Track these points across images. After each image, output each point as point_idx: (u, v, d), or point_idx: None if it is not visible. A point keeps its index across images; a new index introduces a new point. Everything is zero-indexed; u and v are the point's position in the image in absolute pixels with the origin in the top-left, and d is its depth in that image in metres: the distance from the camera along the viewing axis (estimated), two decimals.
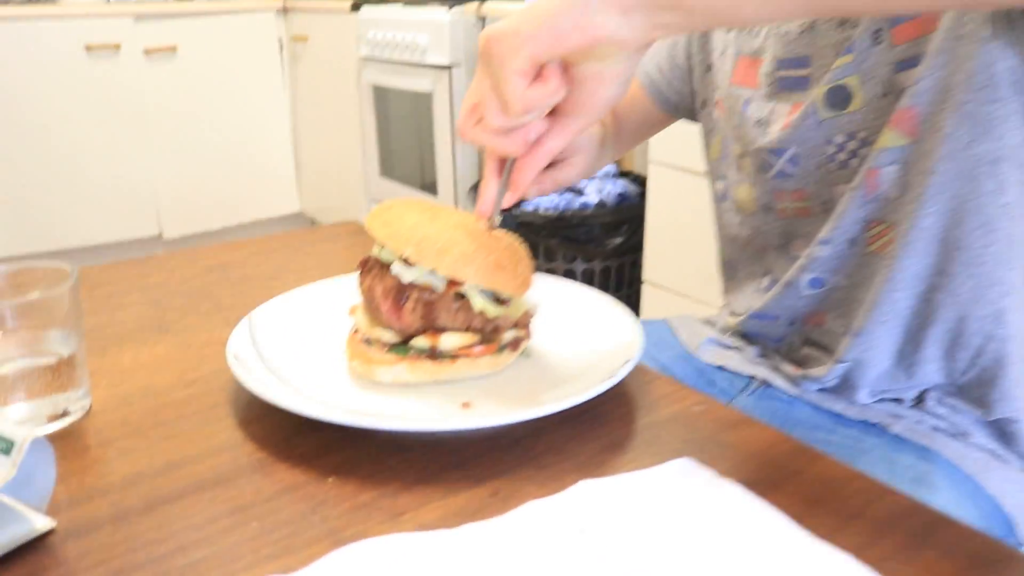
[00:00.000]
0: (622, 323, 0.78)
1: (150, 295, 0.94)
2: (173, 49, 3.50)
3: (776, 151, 0.90)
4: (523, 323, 0.72)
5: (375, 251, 0.73)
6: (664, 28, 0.58)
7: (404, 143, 3.07)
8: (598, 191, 2.23)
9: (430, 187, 2.91)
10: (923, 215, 0.80)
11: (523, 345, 0.73)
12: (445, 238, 0.67)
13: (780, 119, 0.90)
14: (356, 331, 0.74)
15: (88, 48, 3.32)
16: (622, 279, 2.30)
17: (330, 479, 0.58)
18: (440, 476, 0.59)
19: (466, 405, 0.66)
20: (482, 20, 2.68)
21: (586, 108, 0.63)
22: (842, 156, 0.85)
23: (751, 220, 0.99)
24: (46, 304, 0.66)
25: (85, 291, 0.97)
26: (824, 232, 0.88)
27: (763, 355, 1.01)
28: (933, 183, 0.79)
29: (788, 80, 0.89)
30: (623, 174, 2.42)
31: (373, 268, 0.72)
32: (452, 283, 0.69)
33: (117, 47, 3.38)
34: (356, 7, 3.16)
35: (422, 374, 0.69)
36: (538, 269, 2.19)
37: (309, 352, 0.75)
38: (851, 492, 0.58)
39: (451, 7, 2.65)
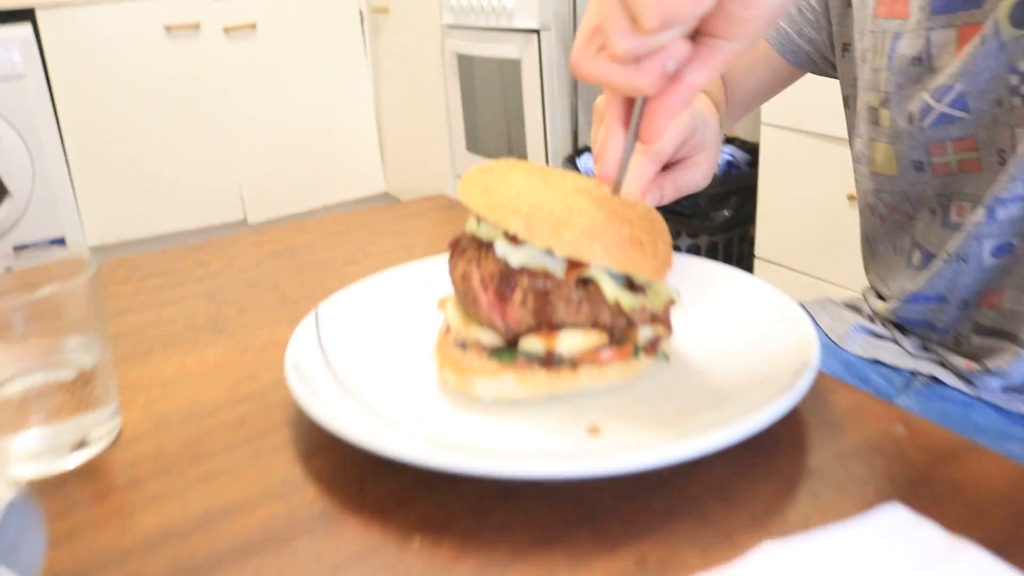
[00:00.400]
0: (785, 313, 0.61)
1: (206, 286, 0.81)
2: (253, 26, 3.41)
3: (938, 91, 0.73)
4: (663, 317, 0.56)
5: (471, 227, 0.57)
6: None
7: (491, 115, 2.93)
8: None
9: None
10: None
11: (663, 346, 0.56)
12: (562, 207, 0.50)
13: (945, 52, 0.72)
14: (448, 331, 0.58)
15: (168, 28, 3.26)
16: (731, 255, 2.11)
17: (416, 540, 0.43)
18: (565, 535, 0.43)
19: (594, 431, 0.50)
20: None
21: (742, 24, 0.45)
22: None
23: (894, 183, 0.81)
24: (60, 303, 0.52)
25: (133, 283, 0.84)
26: (1012, 186, 0.70)
27: (925, 348, 0.83)
28: None
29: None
30: (729, 140, 2.23)
31: (468, 249, 0.56)
32: (574, 265, 0.52)
33: (197, 26, 3.31)
34: None
35: (534, 387, 0.53)
36: None
37: (389, 358, 0.59)
38: None
39: None
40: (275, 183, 3.57)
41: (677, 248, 2.07)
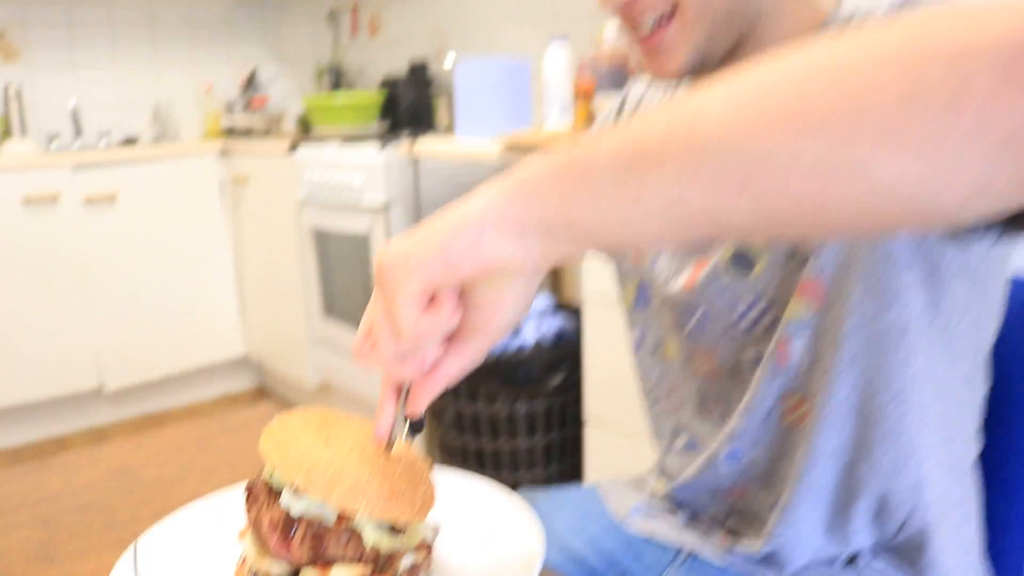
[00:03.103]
0: (523, 526, 0.74)
1: (41, 512, 0.89)
2: (113, 197, 3.48)
3: (687, 309, 0.90)
4: (421, 548, 0.69)
5: (266, 473, 0.69)
6: (559, 254, 0.55)
7: (346, 283, 3.06)
8: (536, 330, 2.21)
9: None
10: (837, 388, 0.80)
11: (423, 569, 0.69)
12: (337, 465, 0.63)
13: (685, 276, 0.90)
14: (244, 560, 0.69)
15: (26, 200, 3.29)
16: (565, 418, 2.27)
17: None
18: None
19: None
20: (415, 161, 2.71)
21: (483, 333, 0.61)
22: (745, 323, 0.85)
23: (670, 374, 0.97)
24: None
25: None
26: (740, 403, 0.86)
27: (693, 520, 0.98)
28: (843, 355, 0.79)
29: None
30: (560, 307, 2.42)
31: (260, 495, 0.68)
32: (343, 516, 0.65)
33: (55, 198, 3.35)
34: (293, 147, 3.19)
35: None
36: (480, 412, 2.13)
37: None
38: None
39: (383, 147, 2.68)
40: (134, 350, 3.58)
41: (515, 415, 2.22)
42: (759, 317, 0.84)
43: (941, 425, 0.83)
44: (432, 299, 0.57)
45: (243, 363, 4.00)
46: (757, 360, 0.86)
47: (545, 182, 0.53)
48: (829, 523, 0.86)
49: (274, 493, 0.67)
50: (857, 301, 0.77)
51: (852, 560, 0.87)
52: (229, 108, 4.20)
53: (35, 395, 3.37)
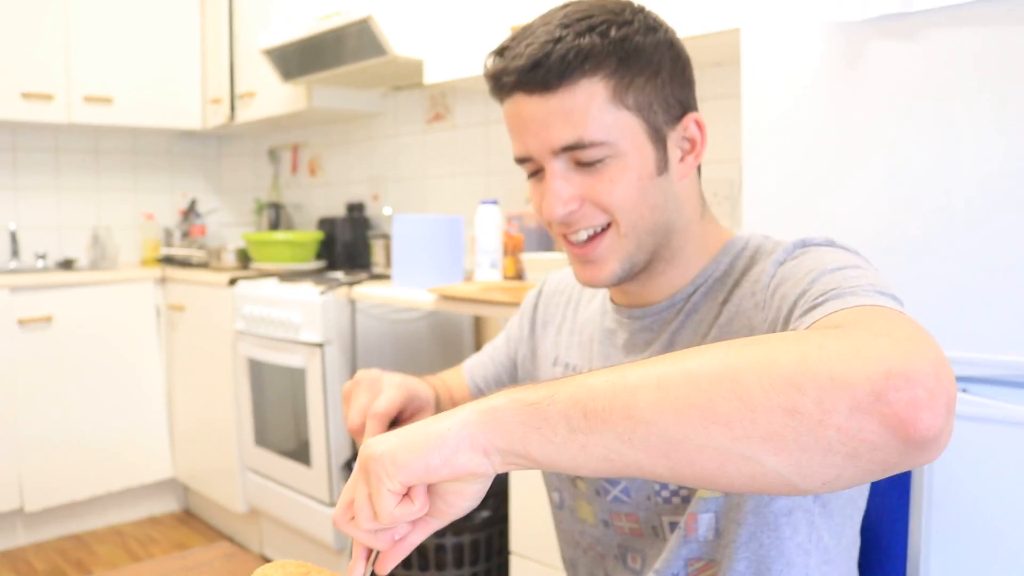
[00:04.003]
0: None
1: None
2: (49, 319, 3.54)
3: (611, 481, 1.04)
4: None
5: None
6: (517, 466, 0.70)
7: (279, 414, 3.15)
8: None
9: (303, 457, 2.97)
10: (737, 559, 0.95)
11: None
12: None
13: None
14: None
15: None
16: (491, 550, 2.38)
17: None
18: None
19: None
20: (352, 302, 2.86)
21: (445, 514, 0.74)
22: (665, 494, 1.00)
23: (591, 531, 1.11)
24: None
25: None
26: (656, 563, 1.00)
27: None
28: (743, 532, 0.94)
29: None
30: None
31: None
32: None
33: None
34: (232, 282, 3.31)
35: None
36: None
37: None
38: None
39: (323, 292, 2.82)
40: (58, 471, 3.57)
41: (443, 547, 2.32)
42: (676, 490, 0.99)
43: (838, 572, 0.98)
44: (406, 492, 0.71)
45: (169, 485, 4.01)
46: (673, 525, 1.00)
47: (510, 418, 0.68)
48: None
49: None
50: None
51: None
52: (168, 237, 4.32)
53: None
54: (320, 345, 2.83)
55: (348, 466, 2.70)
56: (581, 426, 0.65)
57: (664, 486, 1.00)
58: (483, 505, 2.34)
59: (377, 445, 0.70)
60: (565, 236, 1.01)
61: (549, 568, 2.19)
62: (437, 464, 0.68)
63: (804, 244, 0.94)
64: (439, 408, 1.16)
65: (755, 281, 0.96)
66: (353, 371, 2.85)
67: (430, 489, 0.72)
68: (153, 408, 3.87)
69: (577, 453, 0.65)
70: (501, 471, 0.70)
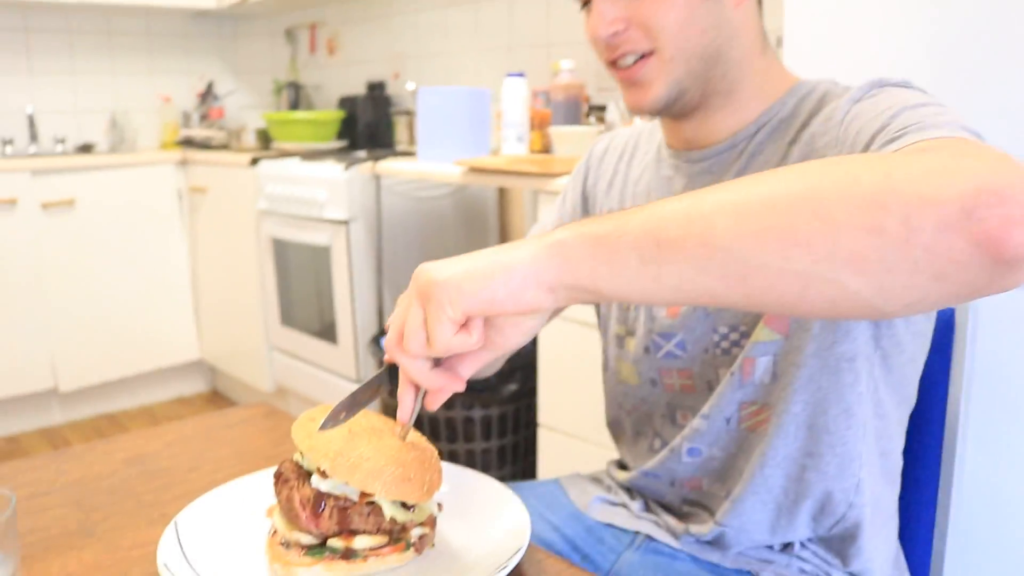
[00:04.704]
0: (511, 509, 0.88)
1: (71, 494, 1.00)
2: (71, 202, 3.53)
3: (665, 335, 1.03)
4: (428, 522, 0.82)
5: (296, 456, 0.82)
6: (581, 301, 0.67)
7: (304, 292, 3.16)
8: None
9: (329, 335, 2.99)
10: (793, 402, 0.94)
11: (427, 542, 0.82)
12: (357, 454, 0.76)
13: (666, 308, 1.03)
14: (274, 532, 0.82)
15: None
16: (519, 423, 2.40)
17: None
18: None
19: None
20: (377, 178, 2.82)
21: (498, 346, 0.72)
22: (725, 344, 0.98)
23: (636, 391, 1.10)
24: None
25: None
26: (704, 408, 1.00)
27: (647, 509, 1.11)
28: (802, 375, 0.93)
29: None
30: None
31: (290, 478, 0.80)
32: (364, 493, 0.78)
33: (14, 201, 3.39)
34: (255, 162, 3.28)
35: (338, 573, 0.77)
36: (438, 417, 2.26)
37: (233, 555, 0.82)
38: None
39: (348, 167, 2.78)
40: (88, 352, 3.63)
41: (472, 419, 2.35)
42: (737, 340, 0.98)
43: (877, 438, 0.97)
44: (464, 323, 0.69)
45: (197, 367, 4.07)
46: (721, 377, 0.99)
47: (579, 252, 0.65)
48: (774, 519, 0.99)
49: (303, 475, 0.80)
50: (818, 331, 0.92)
51: (786, 547, 1.01)
52: (186, 120, 4.27)
53: None
54: (345, 222, 2.81)
55: (375, 341, 2.71)
56: (653, 257, 0.62)
57: (724, 336, 0.98)
58: (511, 378, 2.35)
59: (440, 270, 0.68)
60: (613, 63, 0.98)
61: (576, 440, 2.21)
62: (502, 297, 0.66)
63: (881, 84, 0.89)
64: None
65: (827, 119, 0.92)
66: (378, 249, 2.84)
67: (486, 321, 0.70)
68: (178, 290, 3.91)
69: (648, 285, 0.63)
70: (564, 305, 0.68)
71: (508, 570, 0.76)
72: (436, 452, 0.83)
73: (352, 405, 0.76)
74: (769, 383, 0.96)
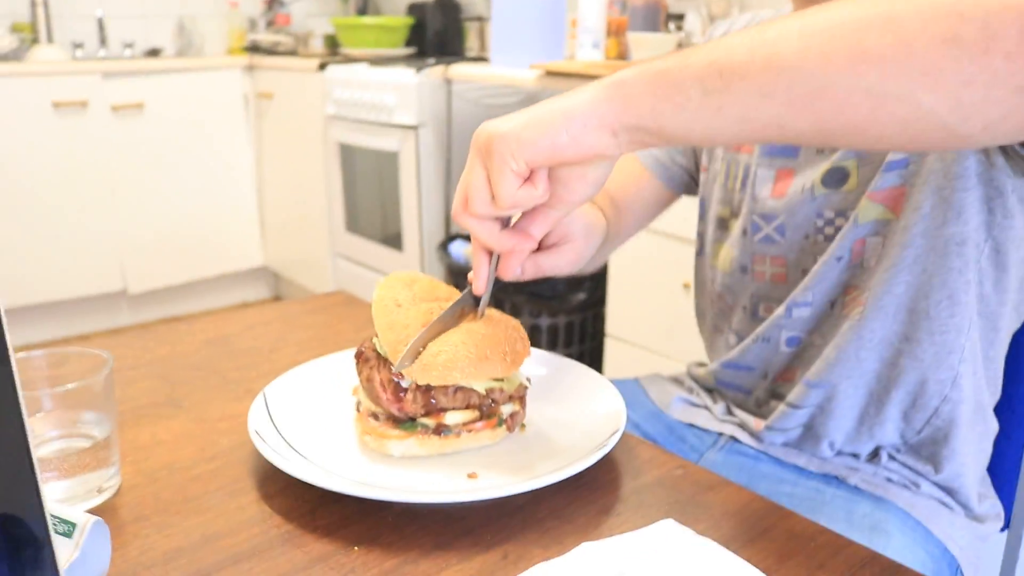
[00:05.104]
0: (606, 394, 0.85)
1: (156, 369, 1.00)
2: (140, 106, 3.54)
3: (766, 217, 0.99)
4: (518, 396, 0.80)
5: (376, 342, 0.80)
6: (645, 145, 0.65)
7: (370, 199, 3.14)
8: None
9: (395, 242, 2.99)
10: (896, 283, 0.90)
11: (519, 419, 0.80)
12: (429, 351, 0.73)
13: (770, 185, 0.99)
14: (361, 408, 0.80)
15: (56, 105, 3.35)
16: (585, 333, 2.38)
17: (356, 549, 0.65)
18: (454, 543, 0.66)
19: (472, 476, 0.73)
20: (448, 82, 2.78)
21: (565, 202, 0.71)
22: (829, 231, 0.95)
23: (725, 279, 1.07)
24: (83, 390, 0.71)
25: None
26: (805, 295, 0.96)
27: (729, 412, 1.09)
28: (907, 255, 0.89)
29: (780, 146, 0.99)
30: None
31: (370, 359, 0.79)
32: None
33: (84, 104, 3.41)
34: (323, 67, 3.24)
35: (430, 448, 0.76)
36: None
37: (322, 426, 0.81)
38: (816, 546, 0.66)
39: (419, 70, 2.74)
40: (156, 256, 3.68)
41: (538, 327, 2.33)
42: (841, 225, 0.93)
43: (981, 334, 0.93)
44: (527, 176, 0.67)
45: (261, 273, 4.11)
46: (824, 262, 0.95)
47: (639, 89, 0.63)
48: (863, 409, 0.96)
49: (383, 358, 0.78)
50: (929, 210, 0.87)
51: (874, 456, 0.98)
52: (252, 25, 4.23)
53: (65, 294, 3.48)
54: (414, 128, 2.78)
55: (443, 247, 2.70)
56: (717, 86, 0.59)
57: (829, 222, 0.94)
58: (579, 287, 2.33)
59: (499, 124, 0.67)
60: None
61: (644, 351, 2.19)
62: (564, 142, 0.64)
63: None
64: (605, 240, 1.00)
65: None
66: (448, 156, 2.80)
67: (550, 176, 0.69)
68: (244, 196, 3.92)
69: (712, 118, 0.60)
70: (628, 151, 0.66)
71: (607, 450, 0.74)
72: (516, 323, 0.80)
73: (432, 338, 0.75)
74: (875, 265, 0.92)
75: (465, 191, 0.70)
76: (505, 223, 0.74)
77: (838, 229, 0.94)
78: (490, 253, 0.76)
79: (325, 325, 1.16)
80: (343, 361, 0.92)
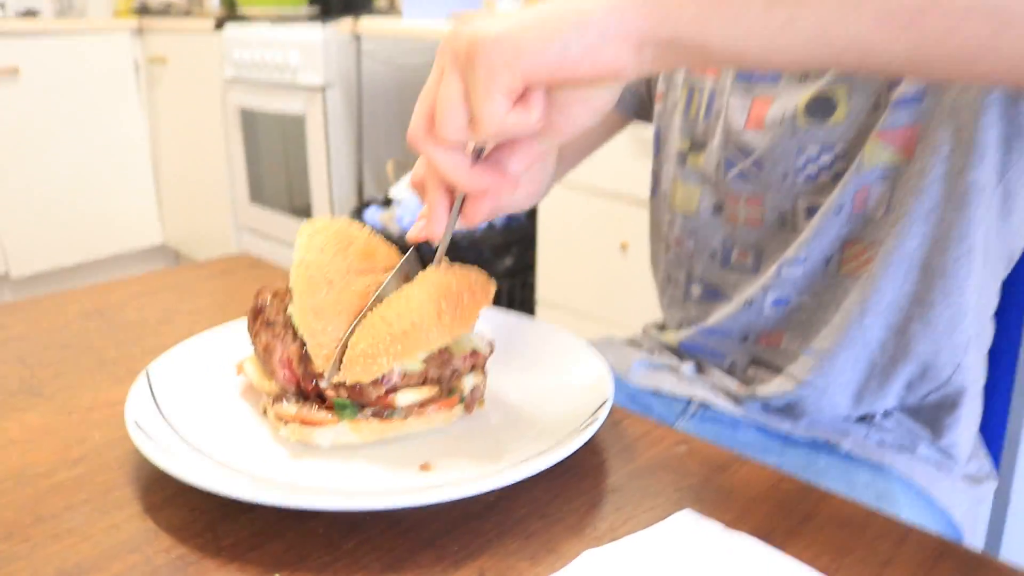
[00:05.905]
0: (582, 356, 0.69)
1: (12, 351, 0.80)
2: (15, 71, 3.24)
3: (744, 150, 0.85)
4: (477, 365, 0.63)
5: (290, 310, 0.62)
6: (674, 65, 0.50)
7: (275, 167, 2.94)
8: None
9: (303, 212, 2.79)
10: (908, 237, 0.77)
11: (479, 395, 0.63)
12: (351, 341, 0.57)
13: (745, 114, 0.85)
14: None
15: None
16: (513, 300, 2.24)
17: (276, 575, 0.47)
18: (412, 559, 0.49)
19: (425, 467, 0.56)
20: (357, 38, 2.58)
21: (558, 131, 0.54)
22: (811, 168, 0.81)
23: (688, 221, 0.93)
24: None
25: None
26: (799, 251, 0.83)
27: (700, 371, 0.95)
28: (922, 205, 0.76)
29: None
30: None
31: (275, 324, 0.61)
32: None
33: None
34: (219, 25, 3.00)
35: (368, 434, 0.58)
36: None
37: (224, 414, 0.63)
38: (875, 535, 0.52)
39: (324, 23, 2.53)
40: (41, 236, 3.39)
41: None
42: (829, 165, 0.80)
43: (988, 292, 0.82)
44: (520, 96, 0.50)
45: (159, 251, 3.85)
46: (810, 210, 0.82)
47: None
48: (863, 381, 0.83)
49: (293, 327, 0.60)
50: (947, 153, 0.74)
51: (864, 417, 0.86)
52: None
53: None
54: (321, 89, 2.58)
55: (357, 214, 2.50)
56: None
57: (817, 155, 0.80)
58: (506, 252, 2.17)
59: (488, 27, 0.49)
60: None
61: (578, 316, 2.06)
62: (576, 55, 0.48)
63: None
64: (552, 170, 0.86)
65: None
66: (358, 119, 2.61)
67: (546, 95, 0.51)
68: (138, 169, 3.65)
69: (777, 33, 0.46)
70: (650, 72, 0.51)
71: (596, 427, 0.57)
72: (476, 273, 0.63)
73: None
74: (882, 216, 0.78)
75: (429, 109, 0.53)
76: (475, 156, 0.57)
77: (823, 168, 0.80)
78: (451, 192, 0.59)
79: (226, 290, 0.97)
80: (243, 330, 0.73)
